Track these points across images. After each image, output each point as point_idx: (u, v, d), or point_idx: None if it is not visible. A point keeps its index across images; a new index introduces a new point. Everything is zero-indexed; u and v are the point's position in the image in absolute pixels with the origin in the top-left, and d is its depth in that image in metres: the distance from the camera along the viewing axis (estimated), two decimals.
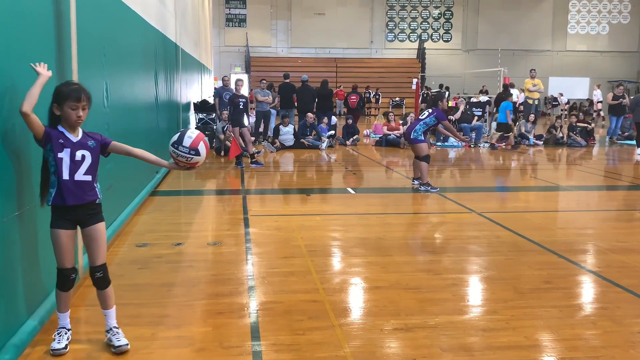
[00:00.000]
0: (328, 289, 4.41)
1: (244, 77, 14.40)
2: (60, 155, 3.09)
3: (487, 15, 32.73)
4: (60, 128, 3.12)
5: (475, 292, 4.48)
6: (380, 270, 4.87)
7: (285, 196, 8.56)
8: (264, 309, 3.94)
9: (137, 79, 7.06)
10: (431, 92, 22.49)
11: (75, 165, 3.12)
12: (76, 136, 3.17)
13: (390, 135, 15.08)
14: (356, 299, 4.29)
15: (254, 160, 11.12)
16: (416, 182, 8.82)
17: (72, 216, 3.18)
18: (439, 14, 33.34)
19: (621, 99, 16.86)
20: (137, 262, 4.95)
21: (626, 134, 17.17)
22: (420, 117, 8.90)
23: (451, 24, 33.39)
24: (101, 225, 3.30)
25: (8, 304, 3.10)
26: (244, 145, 11.08)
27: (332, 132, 15.09)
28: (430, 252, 5.59)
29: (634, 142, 15.25)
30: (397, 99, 28.00)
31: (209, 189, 9.31)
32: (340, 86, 26.91)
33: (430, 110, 8.78)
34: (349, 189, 8.88)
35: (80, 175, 3.14)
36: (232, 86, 13.39)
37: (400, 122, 15.96)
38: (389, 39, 33.17)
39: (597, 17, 33.59)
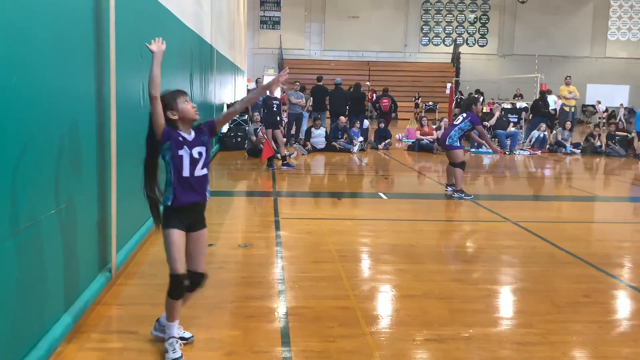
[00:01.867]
0: (359, 295, 4.35)
1: None
2: (180, 152, 3.16)
3: (524, 19, 32.18)
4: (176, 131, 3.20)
5: (510, 303, 4.36)
6: (412, 278, 4.79)
7: (316, 199, 8.52)
8: (294, 314, 3.90)
9: (173, 80, 7.11)
10: (464, 97, 22.23)
11: (194, 162, 3.20)
12: (190, 135, 3.24)
13: (423, 140, 14.92)
14: (387, 307, 4.22)
15: (286, 162, 11.11)
16: (450, 188, 8.68)
17: (187, 217, 3.25)
18: (474, 18, 32.92)
19: None
20: None
21: None
22: (454, 123, 8.75)
23: (487, 29, 32.93)
24: (206, 231, 3.37)
25: (43, 299, 3.13)
26: (276, 148, 11.09)
27: (362, 137, 15.01)
28: (464, 261, 5.47)
29: None
30: (430, 103, 27.73)
31: (240, 190, 9.34)
32: (370, 89, 26.81)
33: (464, 115, 8.63)
34: (381, 194, 8.79)
35: (199, 171, 3.22)
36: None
37: (434, 127, 15.78)
38: (423, 42, 32.89)
39: (638, 23, 32.74)
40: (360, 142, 14.45)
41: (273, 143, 10.99)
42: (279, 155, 11.14)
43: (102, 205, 4.07)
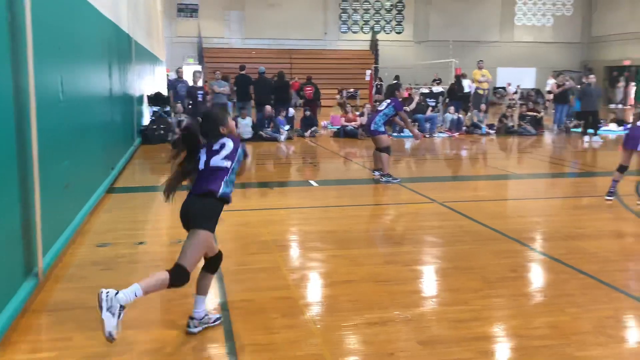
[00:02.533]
0: (299, 284, 4.38)
1: (199, 69, 14.12)
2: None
3: (438, 6, 33.14)
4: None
5: (445, 283, 4.51)
6: (349, 263, 4.86)
7: (247, 190, 8.44)
8: (236, 308, 3.87)
9: (92, 72, 6.81)
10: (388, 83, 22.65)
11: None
12: None
13: (347, 126, 15.11)
14: (328, 293, 4.27)
15: None
16: (377, 173, 8.86)
17: None
18: (391, 5, 33.53)
19: (564, 85, 17.30)
20: (99, 263, 4.78)
21: (573, 122, 17.73)
22: (379, 109, 8.94)
23: (403, 16, 33.64)
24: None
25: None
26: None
27: (288, 126, 14.99)
28: (397, 244, 5.62)
29: (579, 129, 15.77)
30: (351, 90, 28.07)
31: None
32: (295, 78, 26.80)
33: (388, 101, 8.84)
34: (311, 182, 8.84)
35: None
36: (185, 77, 13.13)
37: (357, 113, 16.01)
38: (342, 30, 33.17)
39: (542, 9, 34.49)
40: (287, 130, 14.44)
41: None
42: None
43: (25, 207, 3.85)
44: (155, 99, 14.89)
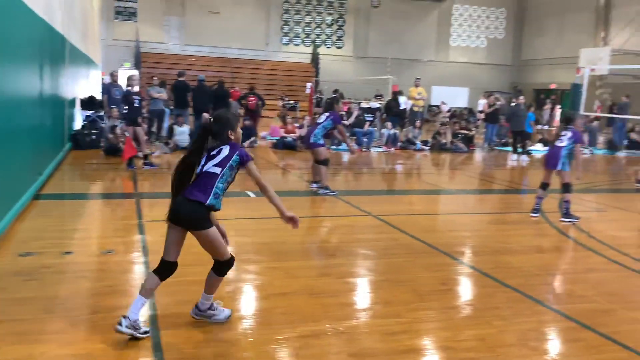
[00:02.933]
0: (232, 297, 4.32)
1: (136, 74, 13.71)
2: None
3: (377, 24, 33.84)
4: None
5: (377, 295, 4.58)
6: (284, 275, 4.85)
7: None
8: (167, 321, 3.78)
9: (21, 73, 6.52)
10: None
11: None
12: None
13: (287, 137, 15.13)
14: (262, 306, 4.24)
15: (148, 161, 10.67)
16: (315, 185, 8.90)
17: None
18: (332, 20, 33.98)
19: (495, 105, 18.07)
20: (22, 273, 4.55)
21: (503, 140, 18.47)
22: (318, 121, 9.01)
23: (344, 32, 34.16)
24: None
25: None
26: (137, 146, 10.60)
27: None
28: (332, 256, 5.65)
29: (509, 148, 16.45)
30: (291, 101, 28.15)
31: (97, 193, 8.81)
32: (235, 87, 26.62)
33: (327, 114, 8.93)
34: (248, 192, 8.78)
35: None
36: (120, 82, 12.79)
37: (296, 125, 16.07)
38: (284, 42, 33.29)
39: (476, 31, 35.90)
40: None
41: (134, 141, 10.49)
42: (140, 154, 10.66)
43: None
44: (89, 103, 14.42)
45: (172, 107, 14.95)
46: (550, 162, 7.50)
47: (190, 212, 3.52)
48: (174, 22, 31.13)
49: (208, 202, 3.53)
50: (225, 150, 3.66)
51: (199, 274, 4.74)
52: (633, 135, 18.68)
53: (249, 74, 29.45)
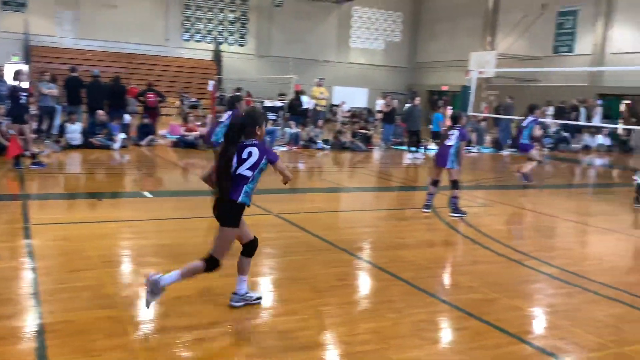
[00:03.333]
0: (125, 302, 4.18)
1: (24, 68, 12.79)
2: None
3: (280, 23, 33.91)
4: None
5: (276, 293, 4.62)
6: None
7: (73, 202, 7.89)
8: (52, 331, 3.58)
9: None
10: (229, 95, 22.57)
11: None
12: None
13: (188, 136, 14.82)
14: (159, 311, 4.12)
15: (36, 160, 10.05)
16: None
17: None
18: (234, 18, 33.64)
19: (391, 106, 18.77)
20: None
21: (399, 140, 19.17)
22: (220, 120, 8.89)
23: (247, 29, 33.92)
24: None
25: None
26: (23, 144, 9.94)
27: (123, 133, 14.28)
28: (233, 256, 5.58)
29: (404, 147, 17.12)
30: (193, 99, 27.57)
31: None
32: (132, 83, 25.67)
33: (229, 112, 8.82)
34: (145, 193, 8.52)
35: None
36: (6, 77, 11.98)
37: (198, 124, 15.77)
38: (185, 38, 32.48)
39: (374, 34, 36.96)
40: (122, 138, 13.76)
41: (20, 139, 9.83)
42: (27, 153, 10.01)
43: None
44: None
45: (64, 104, 14.17)
46: (440, 160, 7.90)
47: (225, 210, 4.01)
48: (67, 15, 29.44)
49: (240, 199, 3.98)
50: (255, 154, 4.03)
51: (89, 280, 4.56)
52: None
53: (148, 70, 28.50)
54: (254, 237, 4.28)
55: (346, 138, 17.22)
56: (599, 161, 18.57)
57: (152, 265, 5.07)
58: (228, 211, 4.00)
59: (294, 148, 16.10)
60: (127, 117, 15.29)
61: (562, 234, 7.59)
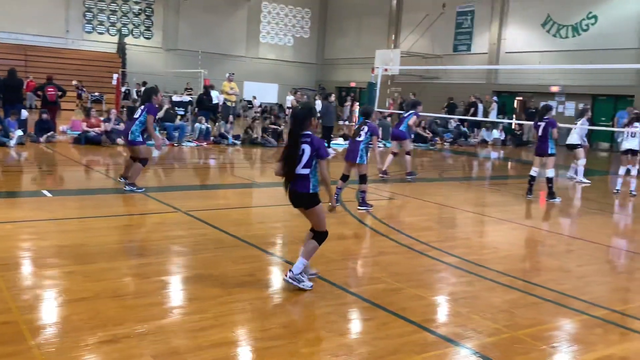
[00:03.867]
0: (22, 306, 3.98)
1: None
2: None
3: (187, 16, 33.15)
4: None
5: (184, 292, 4.56)
6: (82, 279, 4.59)
7: None
8: None
9: None
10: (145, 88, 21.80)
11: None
12: None
13: (90, 132, 14.19)
14: (56, 314, 3.96)
15: None
16: (123, 180, 8.54)
17: None
18: (139, 10, 32.51)
19: (301, 101, 19.02)
20: None
21: None
22: (135, 116, 8.57)
23: (152, 22, 32.89)
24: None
25: None
26: None
27: (21, 130, 13.45)
28: (137, 256, 5.48)
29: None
30: (96, 93, 26.39)
31: None
32: (30, 77, 24.21)
33: (142, 107, 8.52)
34: (45, 192, 8.09)
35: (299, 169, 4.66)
36: None
37: (102, 119, 15.13)
38: (87, 30, 30.98)
39: (284, 29, 37.02)
40: (19, 135, 12.95)
41: None
42: None
43: None
44: None
45: None
46: (349, 155, 8.09)
47: (302, 198, 4.63)
48: None
49: (311, 191, 4.60)
50: (307, 150, 4.53)
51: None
52: (419, 130, 20.83)
53: (47, 63, 27.03)
54: (326, 230, 4.78)
55: (257, 134, 17.16)
56: (494, 154, 19.71)
57: (53, 266, 4.86)
58: (307, 199, 4.62)
59: (204, 144, 15.85)
60: (24, 113, 14.41)
61: (462, 225, 8.01)
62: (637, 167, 11.07)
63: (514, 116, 26.39)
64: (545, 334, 4.07)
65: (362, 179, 8.06)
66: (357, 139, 8.07)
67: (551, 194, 9.73)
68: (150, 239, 6.19)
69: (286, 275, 4.62)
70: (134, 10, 32.38)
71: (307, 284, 4.63)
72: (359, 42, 34.38)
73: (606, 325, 4.32)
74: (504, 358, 3.63)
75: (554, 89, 24.09)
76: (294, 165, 4.55)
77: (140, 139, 8.33)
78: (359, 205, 8.04)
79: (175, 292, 4.55)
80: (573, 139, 12.43)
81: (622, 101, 21.83)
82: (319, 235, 4.71)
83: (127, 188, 8.31)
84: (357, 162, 7.99)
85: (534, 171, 9.97)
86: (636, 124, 11.04)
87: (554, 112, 17.29)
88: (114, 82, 23.57)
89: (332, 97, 17.31)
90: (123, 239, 6.20)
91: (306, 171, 4.57)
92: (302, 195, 4.62)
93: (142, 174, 8.80)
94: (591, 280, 5.51)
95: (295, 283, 4.59)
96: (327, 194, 4.80)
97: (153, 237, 6.25)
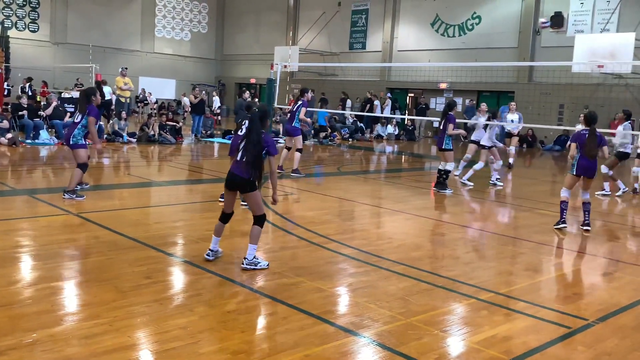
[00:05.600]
0: None
1: None
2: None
3: (77, 8, 31.43)
4: None
5: (76, 298, 4.35)
6: None
7: None
8: None
9: None
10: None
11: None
12: None
13: None
14: None
15: None
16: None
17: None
18: (23, 1, 30.38)
19: (201, 98, 18.72)
20: None
21: (209, 132, 19.06)
22: (75, 121, 8.03)
23: (38, 14, 30.85)
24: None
25: None
26: None
27: None
28: (25, 262, 5.15)
29: (215, 139, 17.09)
30: None
31: None
32: None
33: (84, 111, 7.97)
34: None
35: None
36: None
37: None
38: None
39: (180, 23, 36.07)
40: None
41: None
42: None
43: None
44: None
45: None
46: (232, 151, 8.08)
47: (243, 185, 5.17)
48: None
49: (252, 177, 5.14)
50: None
51: None
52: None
53: None
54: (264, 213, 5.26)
55: (154, 131, 16.64)
56: (389, 148, 20.43)
57: None
58: (248, 185, 5.10)
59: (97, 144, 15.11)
60: None
61: (359, 217, 8.25)
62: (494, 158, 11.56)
63: (406, 112, 27.50)
64: (437, 319, 4.30)
65: None
66: (239, 133, 8.06)
67: (440, 184, 10.24)
68: (38, 244, 5.82)
69: (243, 264, 5.13)
70: (18, 2, 30.22)
71: (262, 263, 5.21)
72: (258, 39, 34.27)
73: (491, 307, 4.64)
74: (399, 344, 3.80)
75: (443, 85, 25.36)
76: (260, 163, 5.14)
77: (82, 141, 7.94)
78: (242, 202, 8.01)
79: (67, 299, 4.33)
80: (484, 140, 11.69)
81: (504, 97, 23.39)
82: (258, 220, 5.19)
83: (66, 196, 7.79)
84: None
85: (441, 165, 10.35)
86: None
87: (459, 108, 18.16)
88: None
89: (247, 94, 17.40)
90: (8, 244, 5.78)
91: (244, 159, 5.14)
92: (244, 181, 5.09)
93: (24, 175, 8.25)
94: (477, 266, 5.89)
95: (253, 267, 5.12)
96: (272, 187, 5.39)
97: (41, 242, 5.88)
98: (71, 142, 7.98)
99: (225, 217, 5.35)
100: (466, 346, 3.89)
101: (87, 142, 8.33)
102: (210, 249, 5.36)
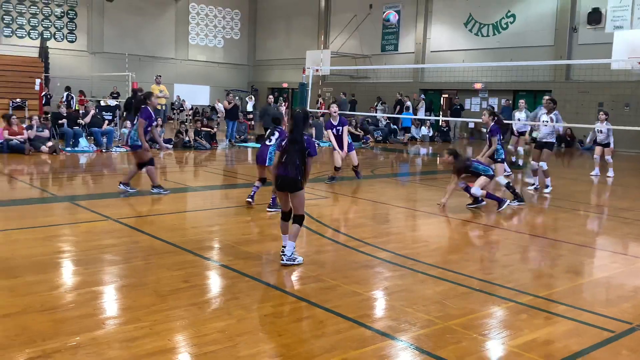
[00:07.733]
0: None
1: None
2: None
3: (113, 18, 32.17)
4: None
5: (116, 302, 4.44)
6: (7, 294, 4.39)
7: None
8: None
9: None
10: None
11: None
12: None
13: (12, 140, 13.54)
14: None
15: None
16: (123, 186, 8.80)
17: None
18: (61, 12, 31.25)
19: (235, 104, 18.91)
20: None
21: (242, 137, 19.24)
22: (134, 123, 8.52)
23: (75, 24, 31.69)
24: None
25: None
26: None
27: None
28: (67, 267, 5.29)
29: (249, 144, 17.25)
30: (18, 100, 25.12)
31: None
32: None
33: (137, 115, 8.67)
34: None
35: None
36: None
37: (24, 126, 14.45)
38: (5, 34, 29.53)
39: (213, 31, 36.56)
40: None
41: None
42: None
43: None
44: None
45: None
46: (259, 159, 8.30)
47: (292, 183, 5.39)
48: None
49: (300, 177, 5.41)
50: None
51: None
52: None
53: None
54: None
55: (189, 137, 16.89)
56: (423, 150, 20.26)
57: None
58: (298, 183, 5.35)
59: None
60: None
61: (394, 220, 8.20)
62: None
63: (441, 113, 27.23)
64: (475, 323, 4.24)
65: (263, 181, 8.33)
66: (267, 142, 8.23)
67: (515, 195, 9.39)
68: (79, 249, 5.97)
69: (282, 260, 5.36)
70: (56, 14, 31.11)
71: (299, 259, 5.45)
72: (290, 43, 34.47)
73: (531, 310, 4.55)
74: (437, 348, 3.76)
75: (478, 85, 25.04)
76: (305, 163, 5.39)
77: (139, 142, 8.61)
78: (269, 207, 8.04)
79: (108, 303, 4.43)
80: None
81: (541, 96, 22.94)
82: (298, 219, 5.45)
83: (154, 190, 8.84)
84: (267, 164, 8.10)
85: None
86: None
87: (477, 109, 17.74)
88: (37, 88, 22.56)
89: (270, 98, 17.61)
90: (50, 250, 5.95)
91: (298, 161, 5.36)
92: (293, 180, 5.33)
93: (64, 181, 8.47)
94: (516, 269, 5.79)
95: (291, 262, 5.37)
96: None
97: (82, 247, 6.04)
98: (130, 144, 8.95)
99: (286, 215, 5.55)
100: (505, 350, 3.83)
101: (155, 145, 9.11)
102: (283, 246, 5.54)
